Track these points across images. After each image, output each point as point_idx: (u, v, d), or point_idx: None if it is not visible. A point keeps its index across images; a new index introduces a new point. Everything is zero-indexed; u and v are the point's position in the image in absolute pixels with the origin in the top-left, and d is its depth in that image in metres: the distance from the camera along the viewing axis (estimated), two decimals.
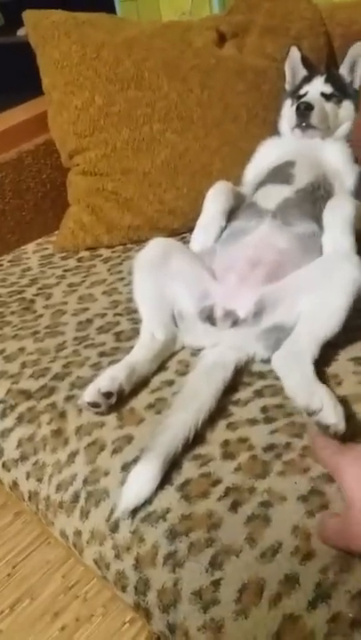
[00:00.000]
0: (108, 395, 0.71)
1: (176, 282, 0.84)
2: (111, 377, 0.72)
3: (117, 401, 0.72)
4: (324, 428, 0.60)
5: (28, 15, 1.18)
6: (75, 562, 1.12)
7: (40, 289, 1.03)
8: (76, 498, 0.67)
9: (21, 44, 1.42)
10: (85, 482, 0.67)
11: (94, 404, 0.71)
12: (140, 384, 0.75)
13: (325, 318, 0.73)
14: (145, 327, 0.82)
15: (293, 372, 0.69)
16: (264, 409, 0.70)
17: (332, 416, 0.60)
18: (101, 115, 1.09)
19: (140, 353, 0.78)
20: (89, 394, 0.71)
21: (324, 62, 1.18)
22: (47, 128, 1.16)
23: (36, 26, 1.15)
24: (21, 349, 0.87)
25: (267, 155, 1.04)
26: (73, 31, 1.12)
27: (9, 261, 1.14)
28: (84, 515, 0.66)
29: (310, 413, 0.62)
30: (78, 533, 0.66)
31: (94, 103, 1.08)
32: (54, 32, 1.12)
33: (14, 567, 1.15)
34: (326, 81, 1.05)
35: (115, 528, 0.62)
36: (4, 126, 1.16)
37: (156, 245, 0.88)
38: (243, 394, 0.73)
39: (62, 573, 1.13)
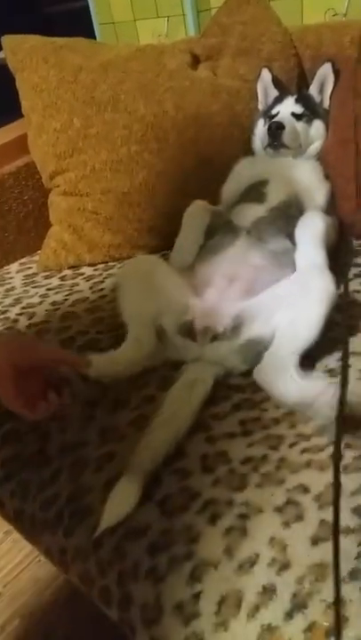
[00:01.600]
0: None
1: (158, 297, 0.86)
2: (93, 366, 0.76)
3: (100, 418, 0.74)
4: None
5: (7, 40, 1.21)
6: (65, 580, 1.12)
7: (24, 308, 1.04)
8: (60, 516, 0.68)
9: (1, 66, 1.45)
10: (69, 500, 0.69)
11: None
12: (121, 401, 0.77)
13: (303, 329, 0.76)
14: (130, 334, 0.84)
15: (280, 377, 0.72)
16: (242, 422, 0.72)
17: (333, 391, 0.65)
18: (80, 137, 1.11)
19: (124, 351, 0.82)
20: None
21: (295, 83, 1.22)
22: (27, 150, 1.19)
23: (15, 50, 1.18)
24: None
25: (241, 174, 1.07)
26: (51, 56, 1.15)
27: None
28: (69, 532, 0.67)
29: (309, 405, 0.66)
30: (63, 551, 0.67)
31: (73, 125, 1.11)
32: (32, 57, 1.15)
33: (5, 586, 1.15)
34: (297, 101, 1.09)
35: (98, 545, 0.63)
36: None
37: (140, 261, 0.94)
38: (221, 407, 0.75)
39: (52, 591, 1.13)
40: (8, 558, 1.16)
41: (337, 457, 0.54)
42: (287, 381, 0.72)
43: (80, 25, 1.94)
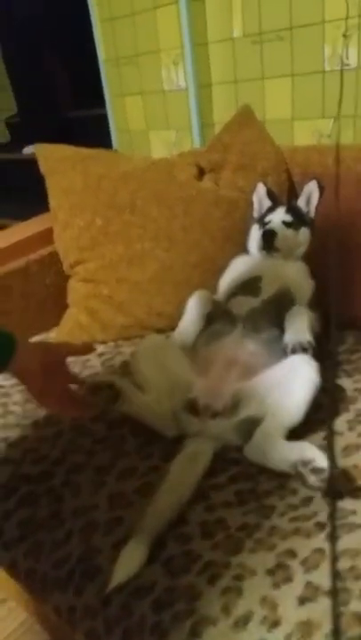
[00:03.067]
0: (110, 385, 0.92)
1: (168, 373, 0.98)
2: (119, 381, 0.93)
3: (109, 484, 0.82)
4: (320, 472, 0.75)
5: (40, 149, 1.41)
6: None
7: None
8: (71, 575, 0.75)
9: (26, 161, 1.63)
10: (80, 560, 0.75)
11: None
12: (129, 469, 0.86)
13: (289, 410, 0.87)
14: (152, 395, 0.96)
15: (272, 448, 0.82)
16: (238, 492, 0.81)
17: (323, 460, 0.76)
18: (101, 233, 1.28)
19: (144, 396, 0.95)
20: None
21: (286, 194, 1.41)
22: (52, 241, 1.35)
23: (47, 158, 1.38)
24: (23, 437, 0.97)
25: (237, 270, 1.23)
26: (78, 164, 1.34)
27: None
28: (79, 591, 0.73)
29: (305, 463, 0.76)
30: (72, 609, 0.73)
31: (95, 224, 1.28)
32: (61, 164, 1.34)
33: None
34: (287, 211, 1.27)
35: (107, 603, 0.70)
36: (16, 239, 1.35)
37: (153, 339, 1.08)
38: (219, 479, 0.84)
39: None
40: (4, 625, 1.17)
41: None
42: (278, 448, 0.82)
43: (98, 130, 2.20)
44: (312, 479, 0.77)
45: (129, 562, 0.70)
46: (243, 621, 0.63)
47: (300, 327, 1.01)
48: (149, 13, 1.84)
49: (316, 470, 0.76)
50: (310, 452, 0.78)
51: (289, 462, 0.80)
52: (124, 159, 1.44)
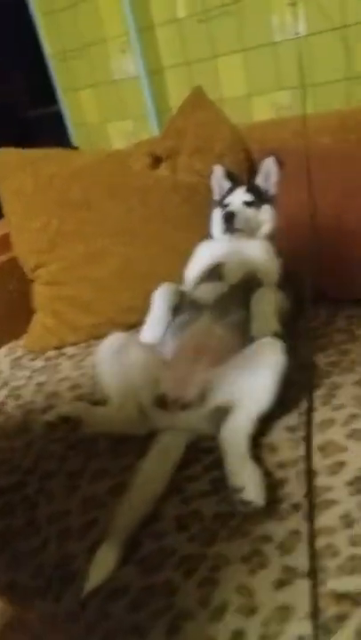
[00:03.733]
0: (65, 420, 0.85)
1: (133, 371, 0.96)
2: (74, 407, 0.87)
3: (82, 488, 0.81)
4: (246, 504, 0.70)
5: None
6: None
7: (11, 390, 1.13)
8: (49, 583, 0.74)
9: None
10: (57, 567, 0.75)
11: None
12: (101, 471, 0.84)
13: (258, 397, 0.85)
14: (113, 402, 0.93)
15: (230, 450, 0.79)
16: (212, 481, 0.79)
17: (253, 494, 0.71)
18: (57, 234, 1.25)
19: (106, 409, 0.91)
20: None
21: (246, 173, 1.39)
22: (10, 247, 1.32)
23: None
24: None
25: (202, 256, 1.20)
26: (27, 166, 1.31)
27: None
28: (58, 598, 0.72)
29: (235, 491, 0.72)
30: (54, 616, 0.73)
31: (51, 225, 1.25)
32: (11, 168, 1.30)
33: None
34: (247, 191, 1.25)
35: (84, 607, 0.69)
36: None
37: (115, 338, 1.01)
38: (194, 470, 0.82)
39: None
40: None
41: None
42: (232, 460, 0.78)
43: (56, 127, 2.16)
44: (241, 508, 0.72)
45: (102, 565, 0.69)
46: (220, 612, 0.62)
47: (265, 315, 0.99)
48: (91, 2, 1.80)
49: (243, 502, 0.71)
50: (243, 480, 0.73)
51: (228, 477, 0.76)
52: (77, 155, 1.41)
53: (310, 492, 0.72)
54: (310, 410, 0.86)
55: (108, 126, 2.02)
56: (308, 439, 0.80)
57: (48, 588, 0.74)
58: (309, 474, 0.74)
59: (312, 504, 0.70)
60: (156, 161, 1.40)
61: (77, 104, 2.07)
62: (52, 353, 1.25)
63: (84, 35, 1.88)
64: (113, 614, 0.67)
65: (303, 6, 1.41)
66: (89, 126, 2.08)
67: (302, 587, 0.62)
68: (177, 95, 1.77)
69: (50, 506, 0.82)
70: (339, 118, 1.28)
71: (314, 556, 0.64)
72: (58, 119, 2.17)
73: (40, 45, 2.01)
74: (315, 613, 0.59)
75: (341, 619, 0.57)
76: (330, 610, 0.59)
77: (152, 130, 1.85)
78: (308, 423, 0.83)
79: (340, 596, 0.59)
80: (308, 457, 0.76)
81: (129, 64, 1.82)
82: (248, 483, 0.71)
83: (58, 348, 1.26)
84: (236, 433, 0.82)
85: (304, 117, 1.21)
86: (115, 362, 0.97)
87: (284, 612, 0.60)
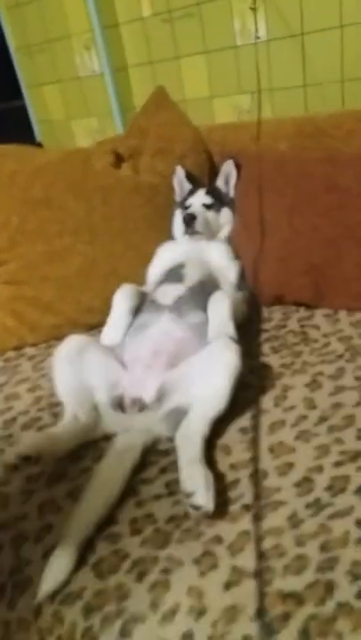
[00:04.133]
0: (26, 458, 0.79)
1: (90, 374, 0.95)
2: (30, 444, 0.81)
3: (39, 492, 0.80)
4: (196, 509, 0.71)
5: None
6: None
7: None
8: (3, 589, 0.73)
9: None
10: (11, 573, 0.74)
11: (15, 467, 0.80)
12: (59, 474, 0.84)
13: (212, 399, 0.86)
14: (68, 412, 0.91)
15: (184, 452, 0.80)
16: (168, 484, 0.80)
17: (203, 499, 0.71)
18: (18, 232, 1.23)
19: (63, 428, 0.88)
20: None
21: (207, 175, 1.40)
22: None
23: None
24: None
25: (163, 257, 1.21)
26: None
27: None
28: (12, 605, 0.72)
29: (186, 495, 0.72)
30: (7, 624, 0.72)
31: (11, 223, 1.23)
32: None
33: None
34: (207, 193, 1.26)
35: (38, 613, 0.69)
36: None
37: (72, 341, 0.99)
38: (150, 472, 0.83)
39: None
40: None
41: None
42: (184, 464, 0.78)
43: (19, 123, 2.13)
44: (191, 512, 0.72)
45: (56, 570, 0.69)
46: (170, 614, 0.63)
47: (221, 320, 1.00)
48: None
49: (194, 506, 0.71)
50: (194, 485, 0.73)
51: (180, 481, 0.76)
52: (39, 153, 1.39)
53: (258, 494, 0.74)
54: (258, 413, 0.87)
55: (72, 123, 2.00)
56: (255, 441, 0.81)
57: (2, 594, 0.73)
58: (256, 475, 0.76)
59: (259, 506, 0.72)
60: (119, 160, 1.39)
61: (42, 100, 2.04)
62: (11, 354, 1.23)
63: (49, 29, 1.85)
64: (66, 620, 0.66)
65: (264, 12, 1.43)
66: (53, 123, 2.05)
67: (250, 587, 0.63)
68: (141, 93, 1.77)
69: (4, 511, 0.81)
70: (295, 125, 1.31)
71: (261, 556, 0.66)
72: (22, 114, 2.13)
73: (4, 38, 1.97)
74: (260, 613, 0.60)
75: (286, 618, 0.59)
76: (275, 609, 0.60)
77: (116, 127, 1.84)
78: (256, 426, 0.85)
79: (286, 596, 0.61)
80: (255, 459, 0.77)
81: (93, 61, 1.81)
82: (198, 487, 0.72)
83: (17, 348, 1.24)
84: (190, 436, 0.83)
85: (259, 122, 1.23)
86: (70, 367, 0.95)
87: (232, 613, 0.61)
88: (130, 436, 0.87)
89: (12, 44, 1.98)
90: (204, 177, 1.38)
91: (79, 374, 0.95)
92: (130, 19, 1.71)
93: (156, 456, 0.86)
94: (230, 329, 0.98)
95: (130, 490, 0.80)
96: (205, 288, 1.10)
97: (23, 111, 2.11)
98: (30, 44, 1.93)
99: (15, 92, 2.06)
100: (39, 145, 2.08)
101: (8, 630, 0.72)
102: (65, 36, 1.82)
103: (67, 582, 0.69)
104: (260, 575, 0.63)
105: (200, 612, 0.62)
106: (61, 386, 0.95)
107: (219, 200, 1.25)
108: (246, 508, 0.73)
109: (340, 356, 0.99)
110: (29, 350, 1.24)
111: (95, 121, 1.93)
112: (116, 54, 1.76)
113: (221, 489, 0.77)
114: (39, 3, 1.82)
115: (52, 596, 0.68)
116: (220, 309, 1.01)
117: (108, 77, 1.78)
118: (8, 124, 2.15)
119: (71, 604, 0.67)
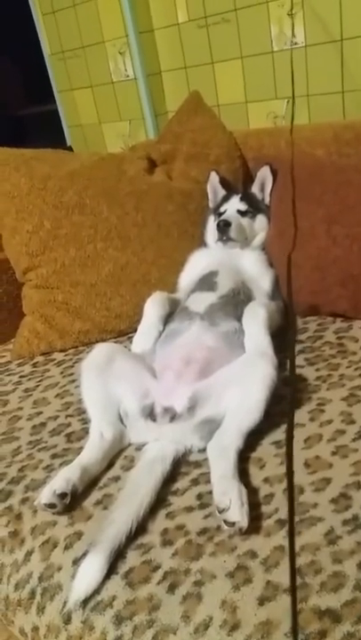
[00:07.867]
0: (62, 495, 0.78)
1: (120, 383, 0.94)
2: (65, 478, 0.80)
3: (70, 500, 0.80)
4: (230, 525, 0.70)
5: None
6: None
7: None
8: (32, 594, 0.73)
9: None
10: (41, 578, 0.74)
11: (50, 505, 0.78)
12: (89, 483, 0.84)
13: (248, 411, 0.85)
14: (94, 427, 0.91)
15: (217, 466, 0.79)
16: (199, 496, 0.79)
17: (237, 515, 0.70)
18: (50, 237, 1.24)
19: (91, 453, 0.86)
20: (45, 496, 0.78)
21: (241, 181, 1.39)
22: (2, 248, 1.31)
23: None
24: None
25: (196, 265, 1.20)
26: (21, 166, 1.29)
27: None
28: (41, 610, 0.72)
29: (220, 511, 0.71)
30: (36, 629, 0.72)
31: (43, 227, 1.24)
32: (4, 167, 1.29)
33: None
34: (241, 199, 1.25)
35: (68, 620, 0.69)
36: None
37: (101, 350, 0.99)
38: (181, 483, 0.82)
39: None
40: None
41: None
42: (218, 478, 0.76)
43: (50, 127, 2.15)
44: (225, 527, 0.71)
45: (87, 577, 0.69)
46: (203, 627, 0.62)
47: (257, 331, 0.98)
48: (91, 3, 1.79)
49: (228, 522, 0.70)
50: (228, 500, 0.71)
51: (213, 495, 0.75)
52: (72, 157, 1.40)
53: (291, 509, 0.72)
54: (291, 427, 0.85)
55: (103, 127, 2.01)
56: (289, 457, 0.79)
57: (31, 600, 0.73)
58: (291, 491, 0.74)
59: (293, 521, 0.70)
60: (152, 165, 1.39)
61: (73, 104, 2.05)
62: (40, 359, 1.24)
63: (83, 35, 1.86)
64: (96, 628, 0.66)
65: (302, 17, 1.42)
66: (84, 127, 2.07)
67: (285, 603, 0.62)
68: (174, 99, 1.77)
69: (35, 518, 0.81)
70: (333, 131, 1.29)
71: (294, 572, 0.64)
72: (53, 118, 2.15)
73: (39, 44, 2.00)
74: (295, 630, 0.59)
75: (322, 635, 0.57)
76: (310, 627, 0.59)
77: (148, 132, 1.85)
78: (289, 440, 0.82)
79: (323, 613, 0.60)
80: (289, 474, 0.75)
81: (127, 66, 1.81)
82: (233, 503, 0.71)
83: (46, 353, 1.25)
84: (223, 448, 0.81)
85: (292, 127, 1.21)
86: (98, 377, 0.94)
87: (267, 628, 0.60)
88: (160, 445, 0.86)
89: (46, 49, 2.00)
90: (238, 183, 1.37)
91: (107, 385, 0.93)
92: (166, 24, 1.71)
93: (186, 467, 0.85)
94: (265, 343, 0.96)
95: (161, 501, 0.79)
96: (238, 296, 1.09)
97: (55, 115, 2.14)
98: (64, 49, 1.95)
99: (47, 96, 2.08)
100: (70, 149, 2.10)
101: (37, 634, 0.72)
102: (99, 42, 1.84)
103: (97, 590, 0.68)
104: (294, 591, 0.62)
105: (233, 627, 0.61)
106: (88, 397, 0.94)
107: (254, 206, 1.24)
108: (281, 522, 0.72)
109: None
110: (58, 355, 1.24)
111: (126, 125, 1.94)
112: (150, 59, 1.77)
113: (255, 503, 0.76)
114: (74, 9, 1.84)
115: (83, 603, 0.68)
116: (255, 323, 0.99)
117: (141, 82, 1.78)
118: (39, 129, 2.17)
119: (101, 612, 0.67)
